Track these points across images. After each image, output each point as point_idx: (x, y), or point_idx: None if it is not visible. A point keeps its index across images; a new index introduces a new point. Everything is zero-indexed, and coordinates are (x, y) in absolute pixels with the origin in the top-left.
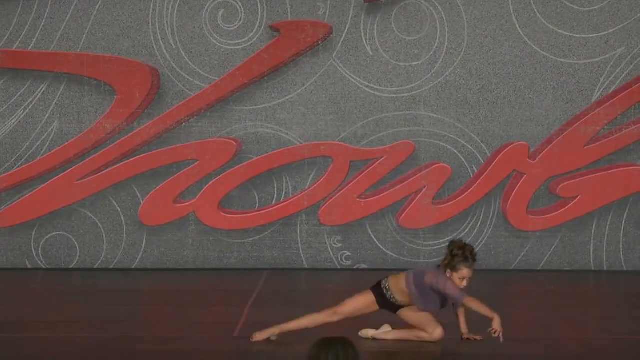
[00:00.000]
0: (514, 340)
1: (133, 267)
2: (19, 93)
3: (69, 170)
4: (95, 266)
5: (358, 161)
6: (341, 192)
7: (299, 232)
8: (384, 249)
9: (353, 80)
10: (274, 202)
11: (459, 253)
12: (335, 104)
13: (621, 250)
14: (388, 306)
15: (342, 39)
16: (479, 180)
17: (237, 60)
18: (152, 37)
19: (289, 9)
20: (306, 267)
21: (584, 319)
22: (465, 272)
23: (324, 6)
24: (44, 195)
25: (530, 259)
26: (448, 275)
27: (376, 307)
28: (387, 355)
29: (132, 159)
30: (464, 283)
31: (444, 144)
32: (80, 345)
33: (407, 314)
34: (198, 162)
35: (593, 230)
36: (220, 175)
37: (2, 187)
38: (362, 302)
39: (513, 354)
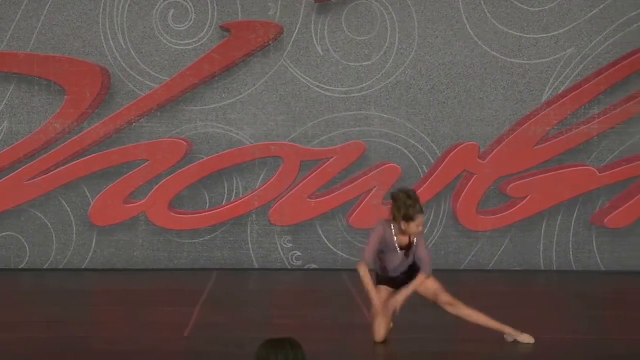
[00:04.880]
0: (464, 340)
1: (83, 267)
2: None
3: (18, 170)
4: (45, 267)
5: (308, 161)
6: (292, 192)
7: (249, 232)
8: (334, 249)
9: (304, 80)
10: (224, 202)
11: (412, 203)
12: (286, 104)
13: (571, 250)
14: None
15: (292, 39)
16: (429, 181)
17: (187, 60)
18: (103, 37)
19: (239, 9)
20: (257, 267)
21: (534, 319)
22: (421, 219)
23: (275, 6)
24: None
25: (481, 259)
26: (404, 226)
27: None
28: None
29: (82, 159)
30: (421, 229)
31: (394, 144)
32: (30, 346)
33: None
34: (149, 162)
35: (543, 230)
36: (171, 176)
37: None
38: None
39: (462, 353)
